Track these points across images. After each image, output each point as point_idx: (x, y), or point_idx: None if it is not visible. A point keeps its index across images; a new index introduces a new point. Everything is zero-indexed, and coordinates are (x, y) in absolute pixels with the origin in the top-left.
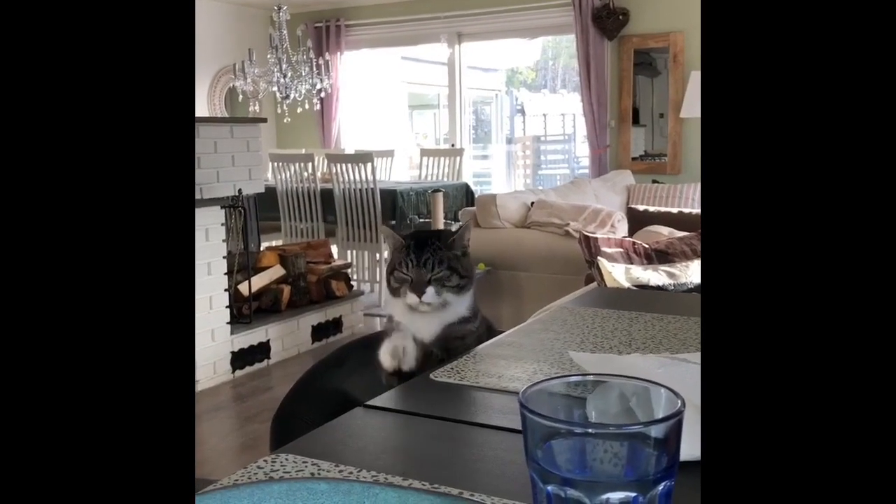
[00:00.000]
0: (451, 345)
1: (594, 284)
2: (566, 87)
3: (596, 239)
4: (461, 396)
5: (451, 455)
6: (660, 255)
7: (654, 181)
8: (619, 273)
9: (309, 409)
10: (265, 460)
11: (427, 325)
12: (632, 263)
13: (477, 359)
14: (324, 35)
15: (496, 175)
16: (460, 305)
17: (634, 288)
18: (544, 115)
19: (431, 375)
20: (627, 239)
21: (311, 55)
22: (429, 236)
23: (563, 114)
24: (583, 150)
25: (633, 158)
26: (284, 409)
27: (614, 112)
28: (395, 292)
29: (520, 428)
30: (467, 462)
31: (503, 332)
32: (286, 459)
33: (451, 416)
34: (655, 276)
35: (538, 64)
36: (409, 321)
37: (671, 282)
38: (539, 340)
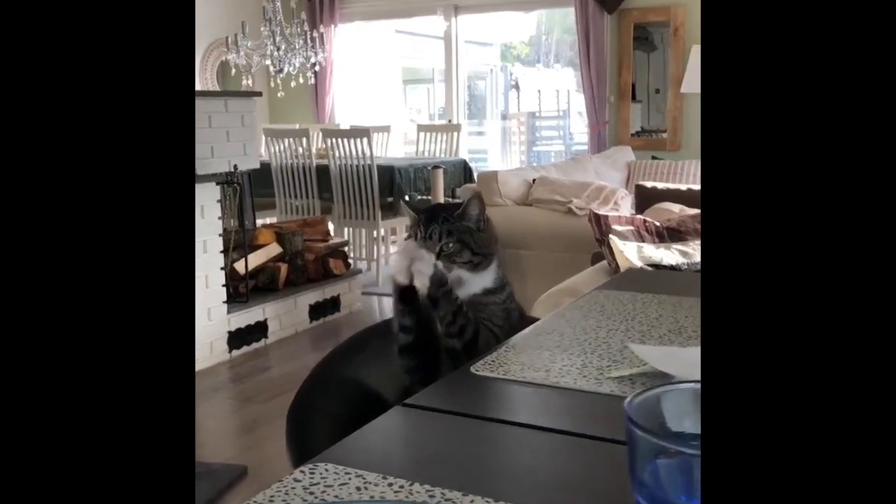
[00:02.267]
0: (476, 312)
1: (603, 263)
2: (560, 61)
3: (606, 217)
4: (508, 393)
5: (510, 464)
6: (671, 233)
7: (654, 157)
8: (630, 252)
9: (328, 400)
10: (302, 471)
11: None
12: (643, 242)
13: (518, 350)
14: (317, 7)
15: (491, 151)
16: (480, 281)
17: (648, 268)
18: (539, 91)
19: (472, 369)
20: (638, 217)
21: (306, 27)
22: (440, 210)
23: (557, 89)
24: (577, 126)
25: (632, 135)
26: (301, 402)
27: (613, 87)
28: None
29: (584, 431)
30: (529, 472)
31: (534, 318)
32: (326, 470)
33: (501, 417)
34: (668, 255)
35: (532, 39)
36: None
37: (685, 261)
38: (581, 329)
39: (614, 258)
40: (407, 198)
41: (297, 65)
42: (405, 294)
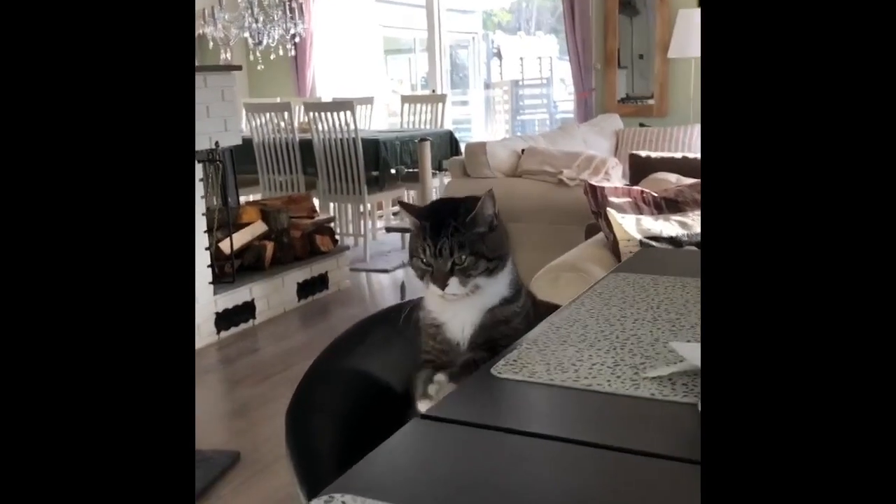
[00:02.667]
0: (495, 333)
1: (600, 236)
2: (542, 28)
3: (602, 189)
4: (535, 399)
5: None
6: (669, 204)
7: (642, 124)
8: (629, 224)
9: (330, 396)
10: None
11: (464, 313)
12: (641, 213)
13: (540, 345)
14: None
15: (475, 121)
16: (496, 286)
17: (647, 240)
18: (521, 59)
19: (493, 370)
20: (635, 188)
21: None
22: (447, 215)
23: (539, 57)
24: (561, 93)
25: (618, 101)
26: (301, 399)
27: (599, 54)
28: (420, 277)
29: (628, 445)
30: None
31: (548, 303)
32: (343, 503)
33: (531, 429)
34: (668, 227)
35: (513, 5)
36: (442, 309)
37: (684, 232)
38: (605, 319)
39: (612, 231)
40: (376, 173)
41: (277, 37)
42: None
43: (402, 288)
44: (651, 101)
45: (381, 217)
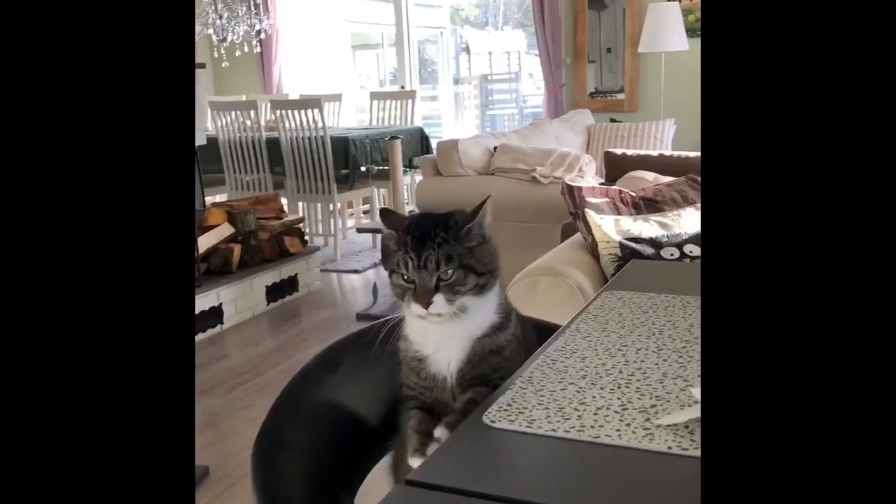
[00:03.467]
0: (486, 366)
1: (577, 237)
2: (509, 23)
3: (580, 189)
4: (535, 456)
5: None
6: (648, 204)
7: (613, 120)
8: (608, 226)
9: (299, 432)
10: None
11: (449, 341)
12: (619, 214)
13: (536, 384)
14: None
15: (445, 117)
16: (484, 308)
17: (626, 242)
18: (489, 54)
19: (485, 418)
20: (613, 187)
21: None
22: (432, 225)
23: (507, 51)
24: (529, 88)
25: (588, 96)
26: (268, 435)
27: (569, 48)
28: (398, 296)
29: None
30: None
31: (535, 320)
32: None
33: (535, 499)
34: (647, 228)
35: (480, 0)
36: (424, 338)
37: (664, 233)
38: (604, 348)
39: (590, 232)
40: (346, 171)
41: (241, 33)
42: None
43: (375, 289)
44: (621, 96)
45: (351, 216)
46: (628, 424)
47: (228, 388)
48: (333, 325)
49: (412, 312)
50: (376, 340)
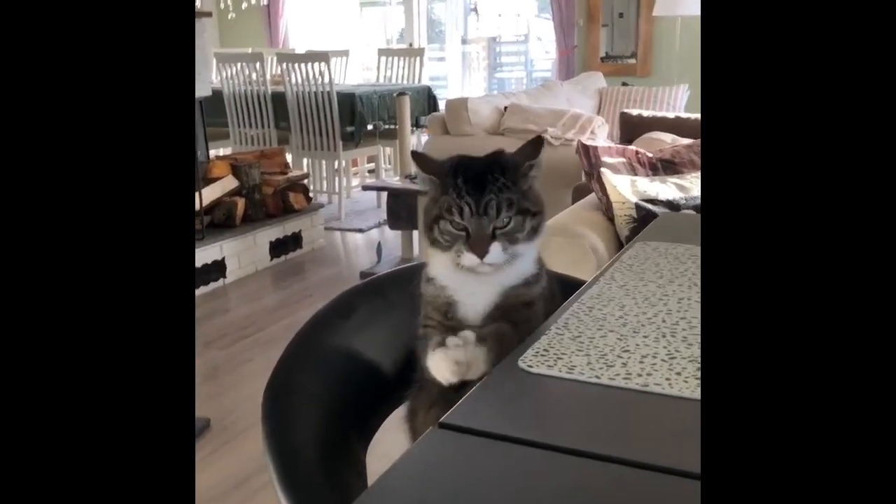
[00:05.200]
0: (514, 315)
1: (591, 198)
2: None
3: (595, 148)
4: (577, 403)
5: None
6: (665, 165)
7: (624, 83)
8: (624, 186)
9: (311, 379)
10: None
11: (482, 290)
12: (636, 174)
13: (573, 330)
14: None
15: (452, 77)
16: (528, 258)
17: (643, 203)
18: (499, 15)
19: (521, 362)
20: (630, 147)
21: None
22: (487, 168)
23: (518, 13)
24: (538, 51)
25: (600, 60)
26: (279, 380)
27: (582, 10)
28: (438, 245)
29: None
30: None
31: (560, 275)
32: None
33: (580, 446)
34: (664, 189)
35: None
36: (455, 283)
37: (682, 195)
38: (644, 298)
39: (605, 193)
40: (352, 128)
41: None
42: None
43: (379, 248)
44: (633, 61)
45: (356, 174)
46: (678, 373)
47: (230, 341)
48: (337, 283)
49: (461, 263)
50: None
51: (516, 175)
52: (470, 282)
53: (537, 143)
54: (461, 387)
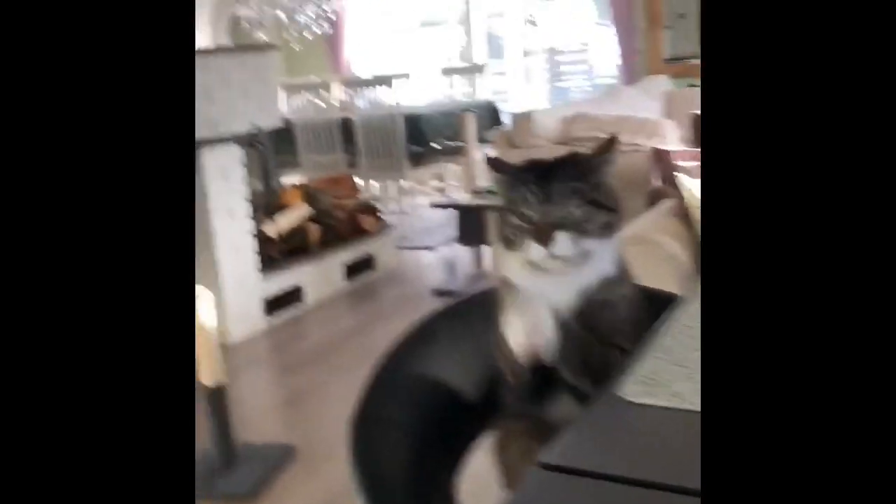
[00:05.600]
0: (596, 321)
1: (666, 204)
2: None
3: (669, 153)
4: (691, 436)
5: None
6: None
7: (691, 85)
8: (696, 189)
9: (398, 407)
10: None
11: (556, 291)
12: None
13: (677, 356)
14: None
15: (513, 91)
16: (604, 256)
17: None
18: (557, 26)
19: (621, 391)
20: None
21: None
22: (558, 161)
23: (576, 23)
24: (600, 58)
25: (664, 62)
26: (365, 411)
27: (644, 13)
28: (509, 243)
29: None
30: None
31: (645, 288)
32: None
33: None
34: None
35: None
36: (528, 285)
37: None
38: None
39: (682, 198)
40: (420, 148)
41: (311, 14)
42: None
43: (450, 265)
44: (697, 61)
45: (424, 193)
46: None
47: (311, 366)
48: (411, 303)
49: (528, 257)
50: (471, 314)
51: (587, 168)
52: (540, 283)
53: (610, 142)
54: (547, 404)
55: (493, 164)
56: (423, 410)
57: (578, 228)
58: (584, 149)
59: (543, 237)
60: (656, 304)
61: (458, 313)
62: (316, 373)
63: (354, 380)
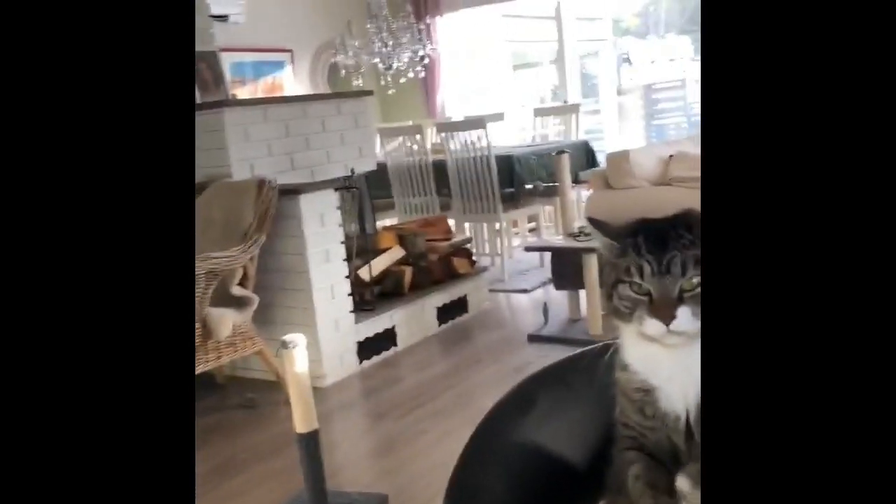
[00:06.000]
0: None
1: None
2: (672, 30)
3: None
4: None
5: None
6: None
7: None
8: None
9: (496, 476)
10: None
11: (686, 370)
12: None
13: None
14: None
15: (608, 130)
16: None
17: None
18: (652, 63)
19: None
20: None
21: (412, 20)
22: (670, 225)
23: (671, 59)
24: (696, 95)
25: None
26: (462, 481)
27: None
28: (621, 315)
29: None
30: None
31: None
32: None
33: None
34: None
35: (642, 9)
36: (654, 366)
37: None
38: None
39: None
40: (511, 189)
41: (406, 59)
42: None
43: (545, 309)
44: None
45: (516, 235)
46: None
47: (404, 411)
48: (505, 346)
49: (644, 331)
50: (577, 373)
51: (700, 233)
52: (667, 362)
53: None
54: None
55: (597, 225)
56: (524, 481)
57: (698, 302)
58: (686, 199)
59: (663, 313)
60: None
61: (558, 377)
62: (409, 419)
63: (448, 426)
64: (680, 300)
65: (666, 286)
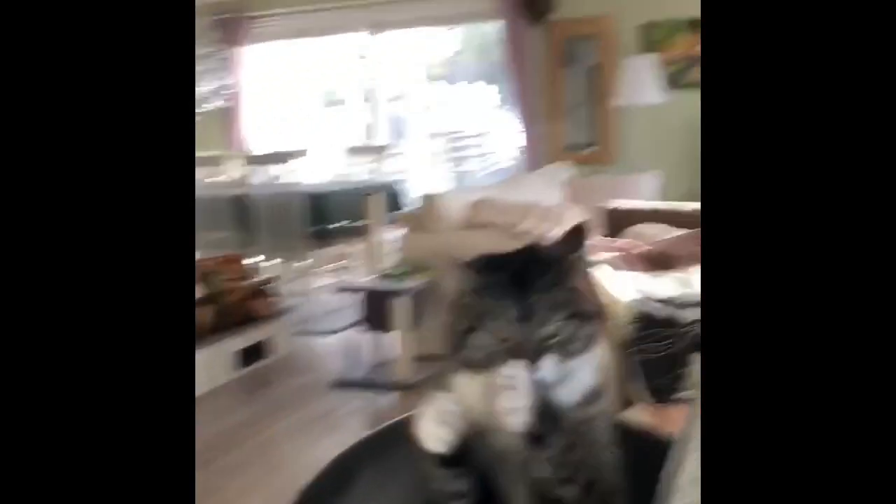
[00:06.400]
0: (575, 438)
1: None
2: (481, 79)
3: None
4: None
5: None
6: (661, 260)
7: (589, 174)
8: (621, 283)
9: None
10: None
11: (524, 409)
12: (634, 269)
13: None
14: (227, 28)
15: (415, 173)
16: (587, 368)
17: (653, 301)
18: (461, 110)
19: None
20: (624, 241)
21: (216, 49)
22: (526, 263)
23: (478, 107)
24: (500, 144)
25: (563, 150)
26: None
27: (544, 102)
28: (473, 365)
29: None
30: None
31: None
32: None
33: None
34: (663, 286)
35: (451, 57)
36: (487, 406)
37: (686, 290)
38: None
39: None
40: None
41: (208, 89)
42: (453, 458)
43: (352, 353)
44: (592, 150)
45: (325, 274)
46: None
47: (197, 465)
48: (309, 392)
49: (502, 383)
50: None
51: (561, 270)
52: (508, 400)
53: (578, 232)
54: None
55: (470, 265)
56: None
57: (565, 350)
58: (493, 243)
59: (525, 363)
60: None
61: (377, 450)
62: (202, 474)
63: (245, 483)
64: (544, 349)
65: (528, 335)
